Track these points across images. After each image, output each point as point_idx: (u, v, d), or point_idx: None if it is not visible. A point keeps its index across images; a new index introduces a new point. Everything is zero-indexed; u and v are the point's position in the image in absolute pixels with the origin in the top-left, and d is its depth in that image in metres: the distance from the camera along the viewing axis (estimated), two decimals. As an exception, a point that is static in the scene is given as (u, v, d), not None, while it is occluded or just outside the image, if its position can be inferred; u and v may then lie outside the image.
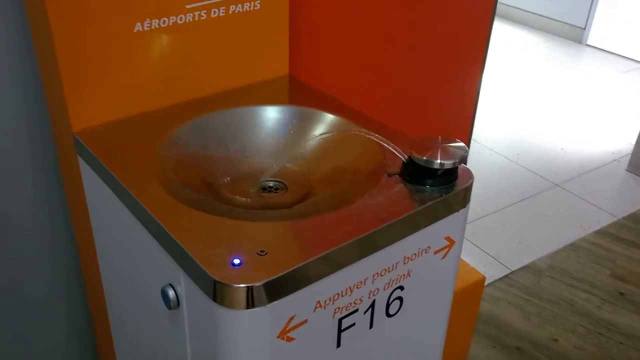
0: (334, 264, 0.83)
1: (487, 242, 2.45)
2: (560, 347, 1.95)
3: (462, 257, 1.85)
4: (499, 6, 4.87)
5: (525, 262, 2.33)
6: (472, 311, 1.86)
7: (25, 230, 1.29)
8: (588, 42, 4.51)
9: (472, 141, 3.14)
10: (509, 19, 4.87)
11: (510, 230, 2.53)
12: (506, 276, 2.25)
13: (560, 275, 2.26)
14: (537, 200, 2.74)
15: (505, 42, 4.49)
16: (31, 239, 1.30)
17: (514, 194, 2.77)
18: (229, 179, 1.08)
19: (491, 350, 1.94)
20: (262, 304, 0.77)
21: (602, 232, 2.51)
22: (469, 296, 1.79)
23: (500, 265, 2.31)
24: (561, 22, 4.63)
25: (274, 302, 0.78)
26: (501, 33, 4.60)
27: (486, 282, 2.18)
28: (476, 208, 2.64)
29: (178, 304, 0.87)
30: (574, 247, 2.42)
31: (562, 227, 2.55)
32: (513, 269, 2.29)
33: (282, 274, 0.77)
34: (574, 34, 4.57)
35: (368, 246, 0.86)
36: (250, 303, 0.76)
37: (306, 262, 0.79)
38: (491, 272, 2.26)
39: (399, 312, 0.98)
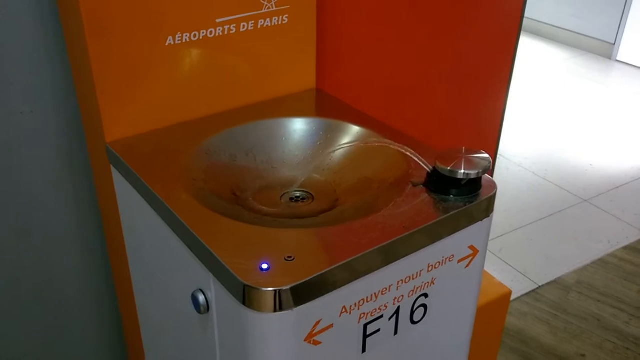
0: (359, 270, 0.85)
1: (515, 257, 2.44)
2: (587, 362, 1.94)
3: (489, 271, 1.85)
4: (527, 22, 4.85)
5: (553, 277, 2.32)
6: (498, 325, 1.85)
7: (58, 234, 1.33)
8: (618, 58, 4.48)
9: (500, 157, 3.14)
10: (538, 34, 4.86)
11: (537, 245, 2.52)
12: (533, 291, 2.25)
13: (587, 290, 2.24)
14: (565, 215, 2.73)
15: (534, 58, 4.48)
16: (64, 243, 1.34)
17: (542, 210, 2.76)
18: (257, 189, 1.10)
19: (518, 365, 1.93)
20: (289, 308, 0.79)
21: (630, 248, 2.49)
22: (495, 310, 1.79)
23: (528, 280, 2.30)
24: (590, 37, 4.61)
25: (300, 306, 0.80)
26: (530, 49, 4.59)
27: (513, 297, 2.17)
28: (504, 223, 2.63)
29: (208, 308, 0.89)
30: (602, 263, 2.40)
31: (590, 243, 2.53)
32: (540, 284, 2.28)
33: (308, 279, 0.79)
34: (603, 49, 4.55)
35: (392, 254, 0.88)
36: (278, 306, 0.78)
37: (332, 267, 0.81)
38: (518, 287, 2.25)
39: (423, 320, 0.99)
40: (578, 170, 3.08)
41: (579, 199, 2.84)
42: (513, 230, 2.61)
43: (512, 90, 1.85)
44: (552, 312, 2.14)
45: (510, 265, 2.38)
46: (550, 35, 4.84)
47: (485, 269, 1.73)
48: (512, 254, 2.45)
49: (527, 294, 2.23)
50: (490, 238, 2.28)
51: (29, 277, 1.33)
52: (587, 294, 2.22)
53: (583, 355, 1.96)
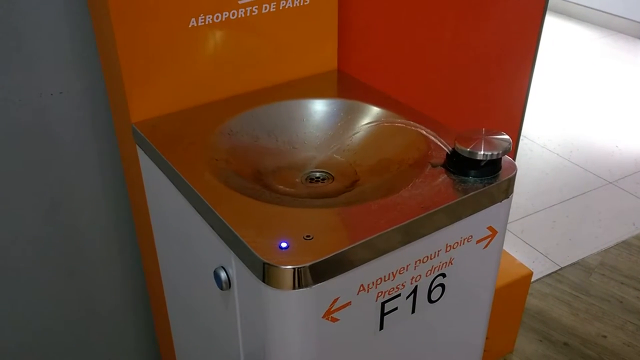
0: (377, 249, 0.86)
1: (537, 238, 2.43)
2: (608, 343, 1.93)
3: (510, 252, 1.86)
4: (556, 1, 4.73)
5: (575, 259, 2.31)
6: (518, 305, 1.86)
7: (86, 214, 1.36)
8: (647, 38, 4.40)
9: (524, 138, 3.12)
10: (566, 13, 4.78)
11: (560, 227, 2.51)
12: (555, 272, 2.24)
13: (610, 272, 2.23)
14: (589, 197, 2.71)
15: (562, 38, 4.41)
16: (93, 222, 1.38)
17: (566, 192, 2.74)
18: (278, 169, 1.12)
19: (538, 345, 1.94)
20: (307, 285, 0.81)
21: (656, 231, 2.47)
22: (515, 290, 1.80)
23: (550, 262, 2.30)
24: (620, 17, 4.52)
25: (319, 284, 0.82)
26: (557, 28, 4.52)
27: (535, 278, 2.17)
28: (526, 205, 2.62)
29: (229, 284, 0.91)
30: (625, 245, 2.38)
31: (614, 225, 2.51)
32: (562, 265, 2.28)
33: (326, 257, 0.81)
34: (633, 29, 4.46)
35: (411, 233, 0.89)
36: (297, 284, 0.80)
37: (350, 246, 0.83)
38: (540, 268, 2.25)
39: (440, 299, 1.00)
40: (604, 152, 3.04)
41: (604, 181, 2.81)
42: (536, 212, 2.60)
43: (538, 71, 1.84)
44: (573, 293, 2.14)
45: (532, 247, 2.38)
46: (579, 14, 4.76)
47: (507, 250, 1.73)
48: (535, 236, 2.45)
49: (549, 275, 2.23)
50: (512, 219, 2.28)
51: (58, 254, 1.37)
52: (610, 276, 2.21)
53: (604, 337, 1.96)
